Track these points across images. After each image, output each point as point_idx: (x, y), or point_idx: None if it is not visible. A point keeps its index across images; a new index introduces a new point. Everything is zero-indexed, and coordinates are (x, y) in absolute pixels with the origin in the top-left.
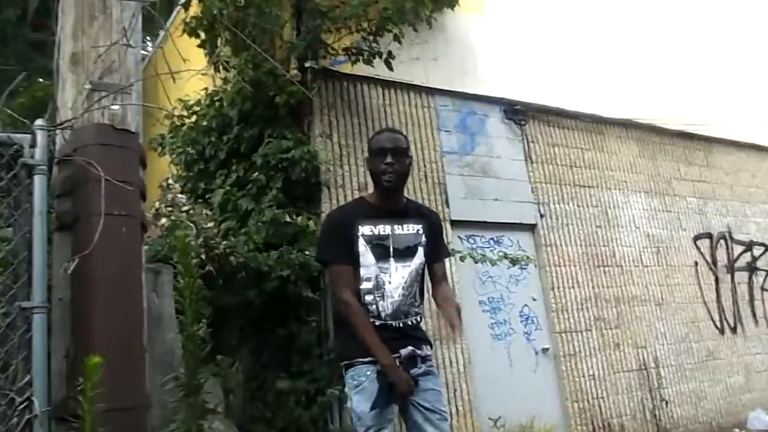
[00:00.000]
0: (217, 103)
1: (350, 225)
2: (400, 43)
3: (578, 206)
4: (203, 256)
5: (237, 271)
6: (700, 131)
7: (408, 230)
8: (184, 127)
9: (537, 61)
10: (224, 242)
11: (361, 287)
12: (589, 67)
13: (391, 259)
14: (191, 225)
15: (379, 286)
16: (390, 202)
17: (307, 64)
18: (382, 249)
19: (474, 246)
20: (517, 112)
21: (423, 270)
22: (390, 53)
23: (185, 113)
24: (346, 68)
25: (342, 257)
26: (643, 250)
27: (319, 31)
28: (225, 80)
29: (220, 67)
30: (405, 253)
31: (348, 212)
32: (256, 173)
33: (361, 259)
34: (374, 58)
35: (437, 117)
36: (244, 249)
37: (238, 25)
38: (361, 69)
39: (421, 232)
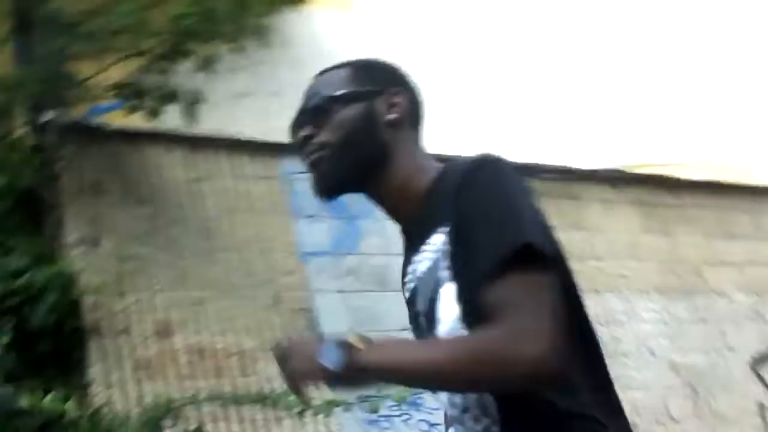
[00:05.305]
0: None
1: None
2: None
3: None
4: None
5: None
6: (744, 179)
7: (423, 264)
8: None
9: (450, 84)
10: None
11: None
12: (538, 93)
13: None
14: None
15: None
16: (394, 212)
17: (45, 117)
18: (414, 317)
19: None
20: None
21: None
22: (197, 94)
23: None
24: (122, 119)
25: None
26: (668, 392)
27: (62, 56)
28: None
29: None
30: (429, 319)
31: None
32: None
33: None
34: (167, 101)
35: (289, 194)
36: None
37: None
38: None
39: (437, 258)
